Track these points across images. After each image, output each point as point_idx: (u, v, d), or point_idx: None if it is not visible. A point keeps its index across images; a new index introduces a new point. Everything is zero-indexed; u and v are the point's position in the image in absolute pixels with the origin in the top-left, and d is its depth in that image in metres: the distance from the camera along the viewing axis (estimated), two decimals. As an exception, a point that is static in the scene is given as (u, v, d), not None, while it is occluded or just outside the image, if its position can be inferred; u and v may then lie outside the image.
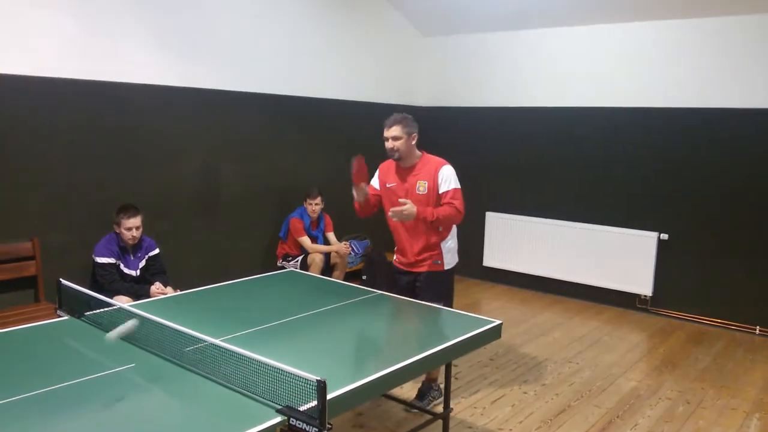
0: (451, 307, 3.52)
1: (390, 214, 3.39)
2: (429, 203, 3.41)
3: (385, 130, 3.44)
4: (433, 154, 3.54)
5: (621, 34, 5.66)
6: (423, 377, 3.69)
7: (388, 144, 3.43)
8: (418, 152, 3.51)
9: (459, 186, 3.44)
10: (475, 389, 3.93)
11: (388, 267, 6.16)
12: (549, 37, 6.08)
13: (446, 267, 3.53)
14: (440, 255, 3.51)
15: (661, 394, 3.95)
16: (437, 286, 3.51)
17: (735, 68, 5.10)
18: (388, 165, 3.61)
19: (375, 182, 3.64)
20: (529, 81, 6.26)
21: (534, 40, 6.18)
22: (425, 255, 3.50)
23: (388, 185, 3.56)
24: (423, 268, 3.52)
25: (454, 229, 3.59)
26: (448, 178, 3.42)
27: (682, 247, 5.49)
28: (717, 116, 5.22)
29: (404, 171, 3.51)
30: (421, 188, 3.43)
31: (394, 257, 3.69)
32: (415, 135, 3.46)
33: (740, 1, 4.91)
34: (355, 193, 3.47)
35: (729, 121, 5.17)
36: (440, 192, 3.41)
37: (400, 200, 3.36)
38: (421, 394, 3.68)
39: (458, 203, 3.39)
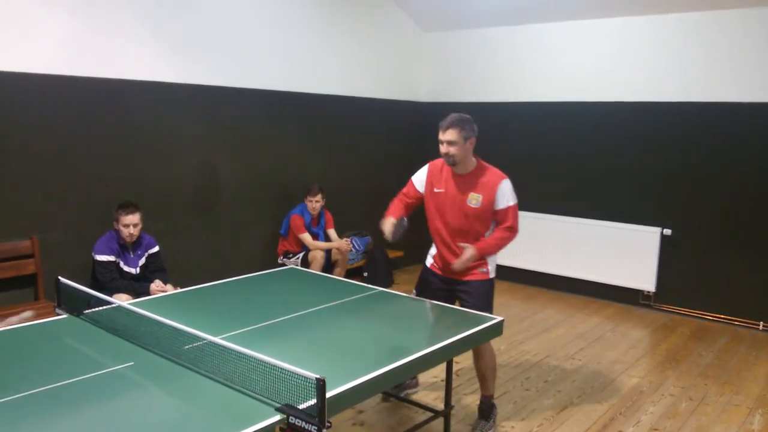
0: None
1: (454, 266, 3.21)
2: (481, 218, 3.24)
3: (440, 132, 3.16)
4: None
5: (623, 28, 5.62)
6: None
7: (443, 148, 3.16)
8: (473, 159, 3.26)
9: (515, 201, 3.25)
10: (476, 386, 3.89)
11: (388, 263, 6.17)
12: (550, 32, 6.05)
13: (491, 275, 3.34)
14: (486, 263, 3.32)
15: (663, 391, 3.93)
16: (486, 295, 3.32)
17: (739, 62, 5.07)
18: (440, 166, 3.34)
19: (419, 181, 3.39)
20: (530, 76, 6.23)
21: (534, 35, 6.15)
22: (471, 264, 3.28)
23: (436, 189, 3.31)
24: (470, 277, 3.31)
25: None
26: (506, 195, 3.20)
27: (686, 243, 5.46)
28: (721, 111, 5.19)
29: (457, 178, 3.26)
30: (473, 201, 3.20)
31: (431, 261, 3.47)
32: (473, 140, 3.20)
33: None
34: (388, 227, 3.22)
35: (733, 115, 5.14)
36: (497, 209, 3.20)
37: (461, 245, 3.22)
38: (485, 414, 3.41)
39: (514, 222, 3.23)
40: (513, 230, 3.25)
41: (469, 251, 3.18)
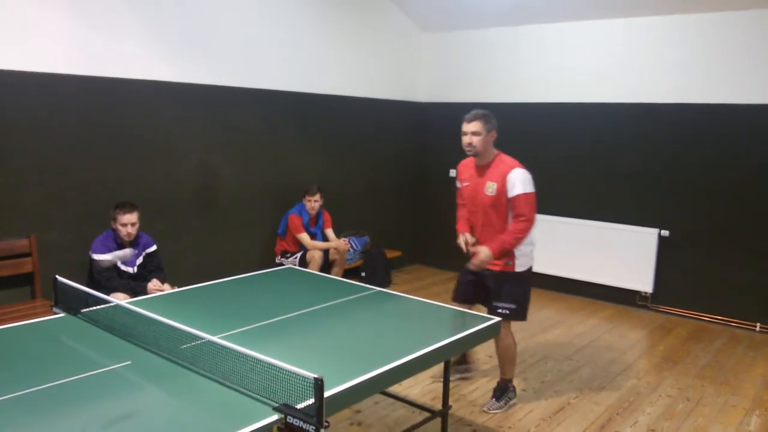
0: (526, 310, 3.54)
1: (470, 267, 3.45)
2: (497, 206, 3.39)
3: (464, 124, 3.41)
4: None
5: (621, 30, 5.63)
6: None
7: (466, 139, 3.39)
8: (494, 151, 3.48)
9: (528, 190, 3.35)
10: (474, 386, 3.91)
11: (386, 263, 6.17)
12: (549, 33, 6.06)
13: (517, 269, 3.45)
14: (512, 257, 3.44)
15: (661, 392, 3.94)
16: (509, 287, 3.46)
17: (735, 64, 5.08)
18: (467, 162, 3.60)
19: (457, 182, 3.67)
20: (528, 77, 6.24)
21: (533, 35, 6.16)
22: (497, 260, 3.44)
23: (463, 183, 3.59)
24: (495, 268, 3.46)
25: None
26: (516, 183, 3.33)
27: (683, 244, 5.47)
28: (718, 112, 5.20)
29: (479, 169, 3.49)
30: (489, 189, 3.40)
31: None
32: (494, 133, 3.43)
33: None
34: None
35: (730, 116, 5.15)
36: (509, 196, 3.35)
37: (472, 249, 3.42)
38: (496, 394, 3.64)
39: (524, 210, 3.33)
40: (524, 220, 3.34)
41: (483, 252, 3.37)
